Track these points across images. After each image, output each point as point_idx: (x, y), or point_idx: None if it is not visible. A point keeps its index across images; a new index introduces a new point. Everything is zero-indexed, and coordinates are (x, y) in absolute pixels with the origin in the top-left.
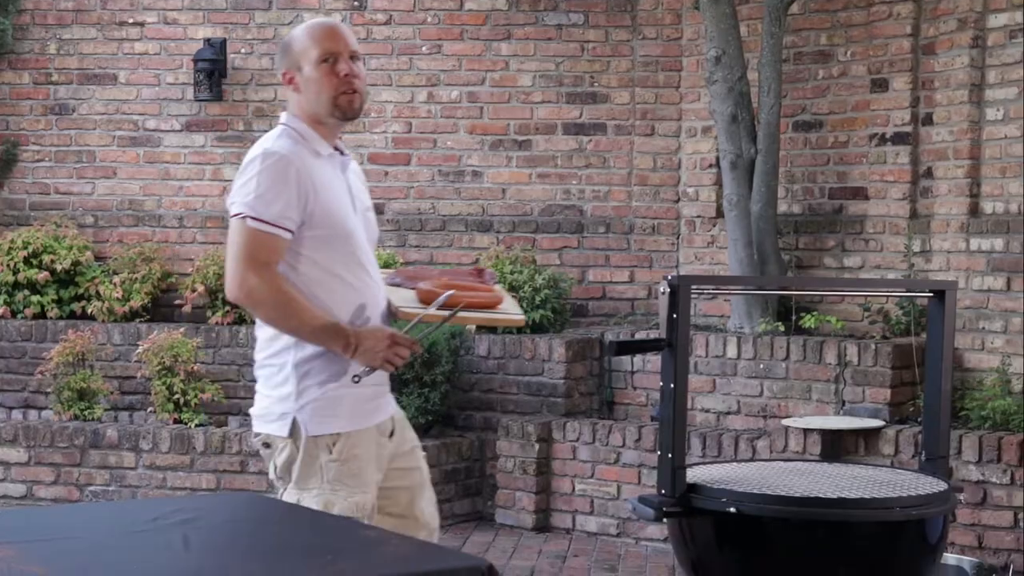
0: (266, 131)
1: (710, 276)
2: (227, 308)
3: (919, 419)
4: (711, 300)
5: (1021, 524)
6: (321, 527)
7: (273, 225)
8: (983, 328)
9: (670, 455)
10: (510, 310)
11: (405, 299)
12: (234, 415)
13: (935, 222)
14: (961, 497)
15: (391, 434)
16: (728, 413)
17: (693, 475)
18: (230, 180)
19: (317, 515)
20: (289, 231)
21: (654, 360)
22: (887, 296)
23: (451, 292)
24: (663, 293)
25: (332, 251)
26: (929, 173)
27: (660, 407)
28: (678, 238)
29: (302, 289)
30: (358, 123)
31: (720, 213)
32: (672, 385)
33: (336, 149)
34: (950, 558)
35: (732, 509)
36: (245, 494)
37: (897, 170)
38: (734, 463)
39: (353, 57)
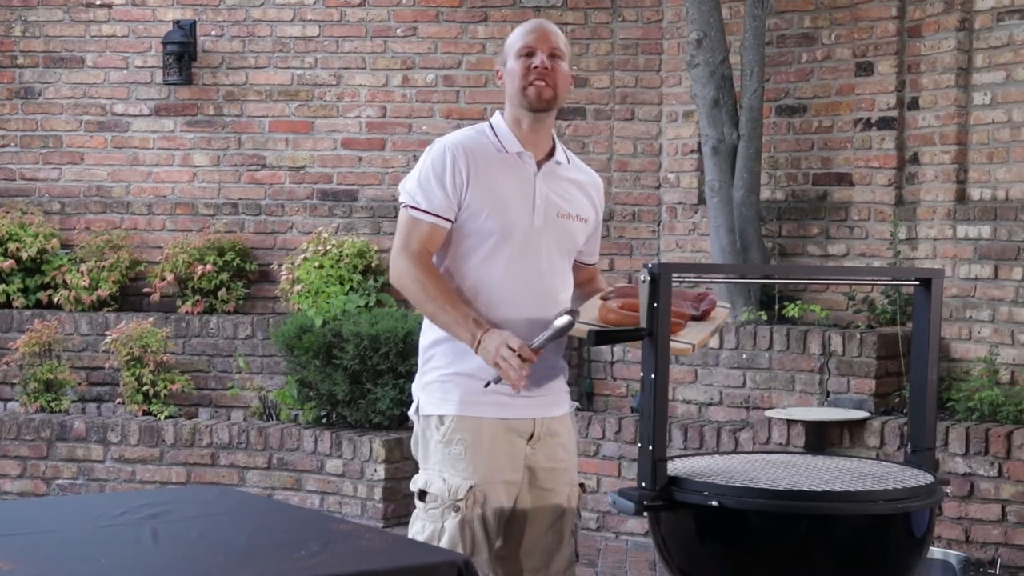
0: (237, 116)
1: (692, 264)
2: (197, 297)
3: (905, 410)
4: (692, 289)
5: (1008, 517)
6: (294, 521)
7: (426, 212)
8: (970, 317)
9: (650, 447)
10: (683, 339)
11: (591, 315)
12: (204, 407)
13: (921, 209)
14: (948, 490)
15: (531, 438)
16: (710, 404)
17: (674, 468)
18: (200, 166)
19: (290, 509)
20: (446, 219)
21: (634, 350)
22: (872, 284)
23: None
24: (643, 281)
25: (480, 242)
26: (915, 159)
27: (640, 398)
28: (659, 225)
29: (449, 272)
30: (330, 107)
31: (702, 199)
32: (653, 375)
33: (550, 152)
34: (936, 552)
35: (714, 502)
36: (216, 487)
37: (882, 156)
38: (716, 455)
39: (553, 55)
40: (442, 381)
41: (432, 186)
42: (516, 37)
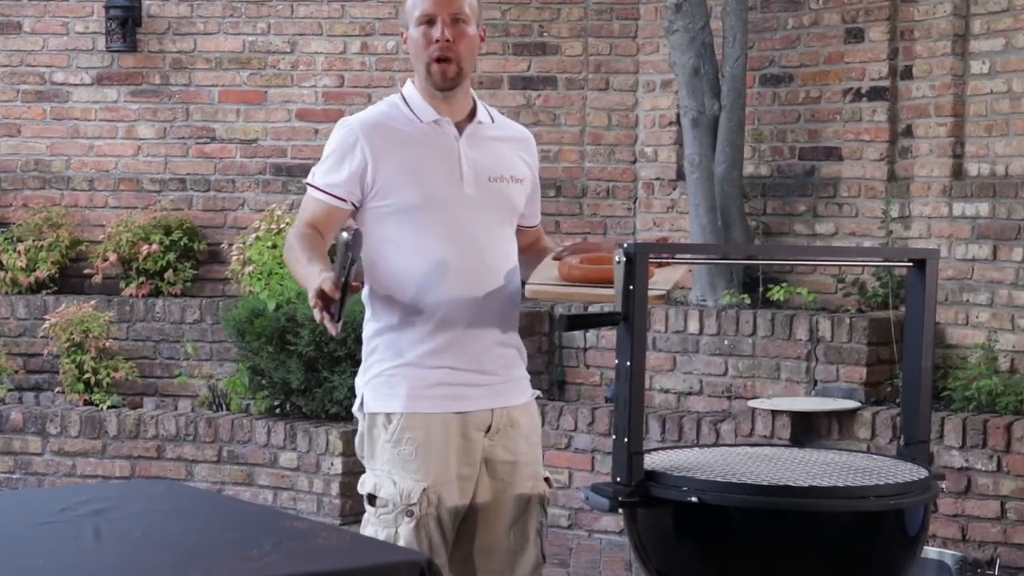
0: (185, 86)
1: (669, 244)
2: (141, 279)
3: (897, 400)
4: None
5: (1008, 515)
6: (245, 518)
7: (321, 191)
8: (967, 301)
9: (626, 440)
10: (655, 287)
11: (548, 274)
12: (150, 396)
13: (915, 185)
14: (943, 485)
15: (489, 430)
16: (689, 394)
17: (651, 461)
18: (145, 139)
19: (241, 505)
20: (342, 200)
21: (608, 336)
22: (863, 266)
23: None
24: (618, 262)
25: (402, 221)
26: (908, 131)
27: (615, 387)
28: (635, 202)
29: (373, 256)
30: (284, 76)
31: (681, 175)
32: (628, 363)
33: (471, 114)
34: (931, 551)
35: (694, 499)
36: (162, 482)
37: (874, 128)
38: (696, 448)
39: (457, 20)
40: (388, 375)
41: (332, 166)
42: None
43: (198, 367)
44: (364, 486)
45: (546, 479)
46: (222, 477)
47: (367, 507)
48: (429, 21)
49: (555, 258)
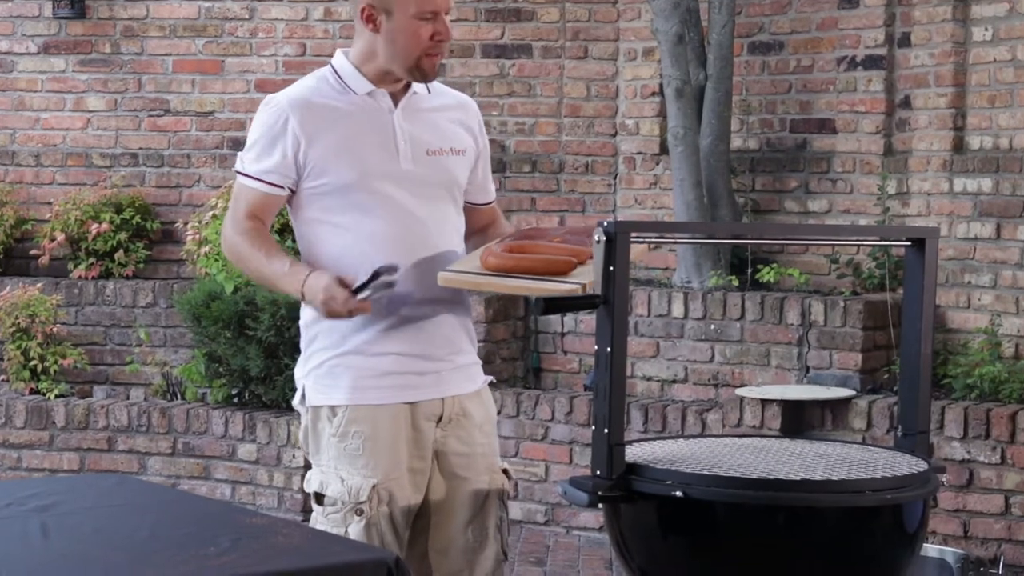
0: (137, 54)
1: (652, 222)
2: (91, 260)
3: (895, 388)
4: (654, 250)
5: (1013, 510)
6: (201, 514)
7: (255, 179)
8: (969, 282)
9: (606, 430)
10: (575, 278)
11: (472, 262)
12: (100, 384)
13: (913, 159)
14: (943, 479)
15: (440, 420)
16: (674, 381)
17: (633, 453)
18: (95, 111)
19: (197, 500)
20: (278, 187)
21: (587, 320)
22: (858, 245)
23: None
24: (597, 242)
25: (339, 200)
26: (906, 103)
27: (594, 374)
28: (615, 178)
29: (310, 238)
30: (242, 44)
31: (664, 149)
32: (608, 349)
33: (407, 84)
34: (931, 549)
35: (678, 493)
36: (113, 476)
37: (869, 99)
38: (681, 439)
39: (446, 12)
40: (330, 365)
41: (263, 150)
42: None
43: (151, 354)
44: (310, 484)
45: (504, 471)
46: (177, 470)
47: (315, 506)
48: (433, 15)
49: (499, 242)
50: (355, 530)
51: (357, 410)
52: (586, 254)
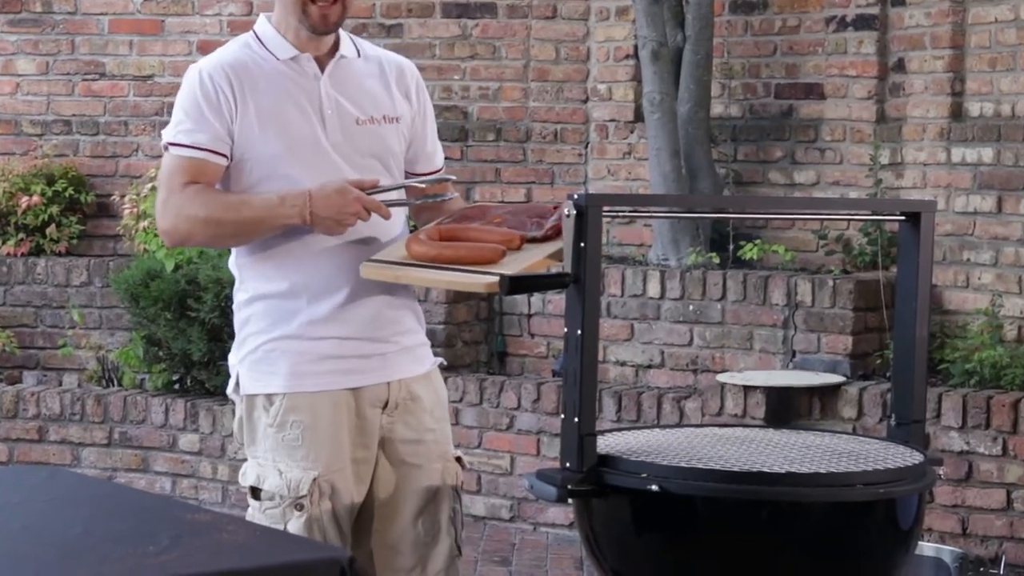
0: (70, 14)
1: (627, 195)
2: (20, 235)
3: (888, 374)
4: (628, 225)
5: (1015, 505)
6: (139, 509)
7: (191, 148)
8: (968, 260)
9: (576, 419)
10: (500, 268)
11: (398, 251)
12: (30, 369)
13: (908, 127)
14: (940, 472)
15: (386, 406)
16: (649, 367)
17: (606, 444)
18: (25, 75)
19: (135, 495)
20: (218, 154)
21: (556, 300)
22: (848, 220)
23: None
24: (567, 216)
25: (267, 174)
26: (900, 66)
27: (563, 359)
28: (586, 147)
29: None
30: (184, 2)
31: (639, 116)
32: (579, 331)
33: (334, 47)
34: (927, 547)
35: (654, 487)
36: (45, 468)
37: (861, 62)
38: (657, 429)
39: None
40: (265, 350)
41: (194, 118)
42: None
43: (85, 336)
44: (246, 477)
45: (458, 459)
46: (113, 462)
47: (250, 501)
48: None
49: (435, 224)
50: (295, 526)
51: (295, 398)
52: (518, 240)
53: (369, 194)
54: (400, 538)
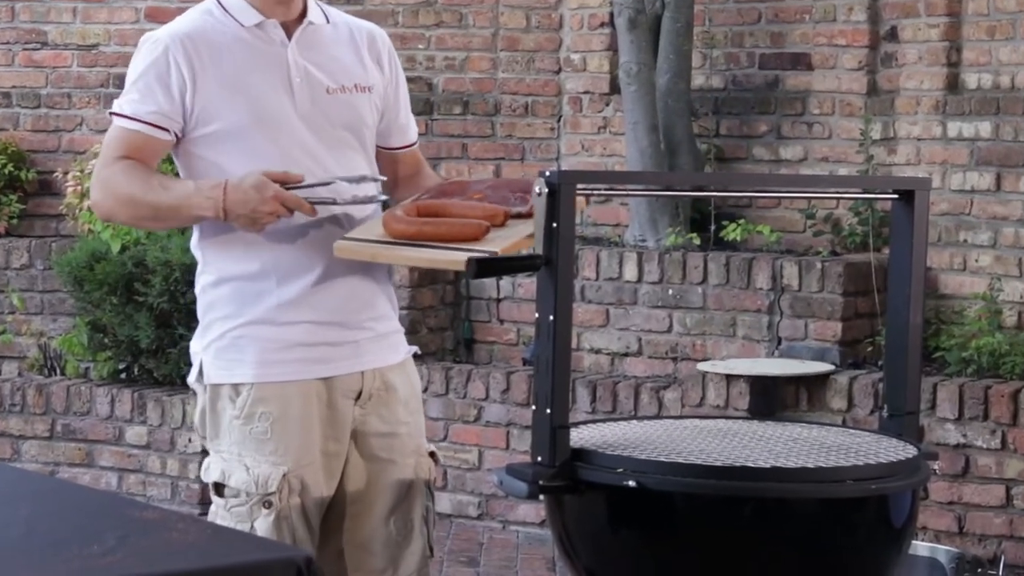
0: None
1: (601, 172)
2: None
3: (880, 362)
4: (603, 204)
5: (1015, 502)
6: (84, 506)
7: (134, 120)
8: (965, 241)
9: (548, 411)
10: (487, 247)
11: (375, 228)
12: None
13: (901, 100)
14: (935, 466)
15: (359, 396)
16: (626, 355)
17: (580, 437)
18: None
19: (79, 491)
20: (162, 128)
21: (527, 284)
22: (837, 198)
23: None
24: (539, 194)
25: (231, 148)
26: (893, 34)
27: (535, 346)
28: (559, 121)
29: None
30: None
31: (615, 88)
32: (551, 317)
33: (302, 14)
34: (921, 547)
35: (631, 482)
36: None
37: (851, 31)
38: (634, 421)
39: None
40: (232, 336)
41: (141, 90)
42: None
43: (26, 322)
44: (209, 473)
45: (431, 454)
46: (56, 456)
47: (214, 498)
48: None
49: (412, 201)
50: (263, 525)
51: (264, 388)
52: (502, 215)
53: (291, 189)
54: (371, 537)
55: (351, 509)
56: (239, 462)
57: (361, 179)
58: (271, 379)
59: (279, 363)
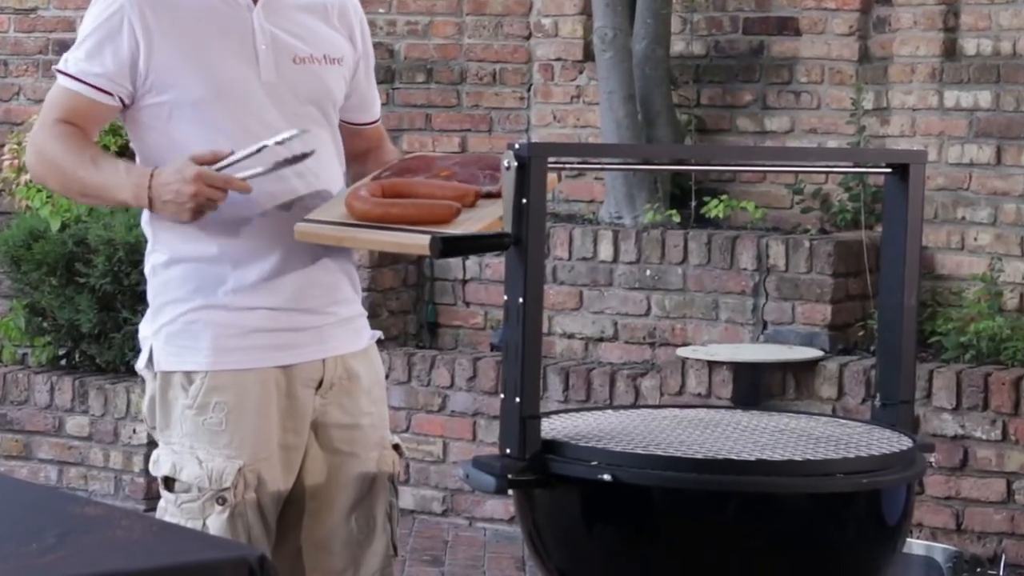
0: None
1: (575, 144)
2: None
3: (872, 348)
4: (576, 178)
5: (1016, 497)
6: (22, 502)
7: (78, 80)
8: (963, 218)
9: (518, 400)
10: (457, 228)
11: (336, 209)
12: None
13: (895, 67)
14: (932, 459)
15: (320, 385)
16: (600, 339)
17: (551, 428)
18: None
19: (16, 486)
20: (107, 93)
21: (495, 264)
22: (827, 173)
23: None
24: (507, 168)
25: (188, 119)
26: None
27: (503, 331)
28: (529, 90)
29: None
30: None
31: (589, 55)
32: (520, 299)
33: None
34: (916, 545)
35: (606, 476)
36: None
37: None
38: (609, 411)
39: None
40: (186, 321)
41: (89, 48)
42: None
43: None
44: (158, 466)
45: (395, 446)
46: None
47: (163, 493)
48: None
49: (374, 177)
50: (216, 522)
51: (219, 376)
52: (473, 195)
53: (220, 169)
54: (331, 536)
55: (310, 505)
56: (191, 455)
57: (288, 139)
58: (227, 367)
59: (236, 350)
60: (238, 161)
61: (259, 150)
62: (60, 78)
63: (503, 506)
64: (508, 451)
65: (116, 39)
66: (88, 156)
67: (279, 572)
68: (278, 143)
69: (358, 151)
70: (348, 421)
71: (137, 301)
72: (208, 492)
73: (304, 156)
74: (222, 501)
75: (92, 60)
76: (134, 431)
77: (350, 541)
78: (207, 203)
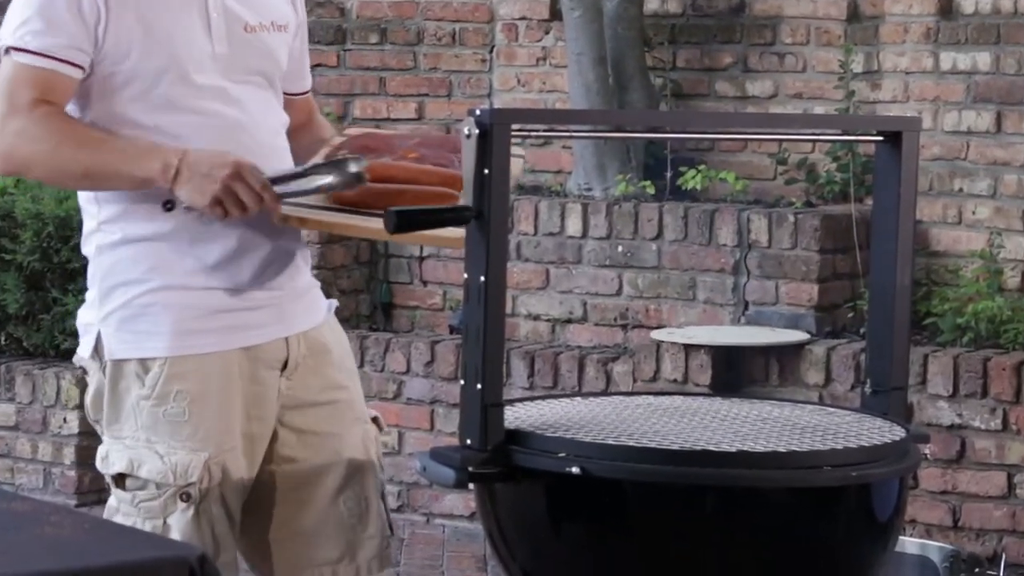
0: None
1: (541, 110)
2: None
3: (862, 330)
4: (542, 147)
5: (1017, 491)
6: None
7: (40, 55)
8: (960, 190)
9: (479, 386)
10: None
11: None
12: None
13: (886, 27)
14: (926, 450)
15: (285, 366)
16: (569, 321)
17: (516, 417)
18: None
19: None
20: (74, 65)
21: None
22: (813, 141)
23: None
24: (467, 136)
25: (140, 93)
26: None
27: (463, 312)
28: (491, 52)
29: None
30: None
31: (556, 14)
32: (482, 278)
33: None
34: (910, 543)
35: (575, 469)
36: None
37: None
38: (578, 398)
39: None
40: (141, 304)
41: (47, 16)
42: None
43: None
44: (110, 463)
45: (374, 419)
46: None
47: (115, 492)
48: None
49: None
50: (179, 520)
51: (180, 362)
52: (458, 180)
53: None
54: (320, 525)
55: (289, 497)
56: (149, 449)
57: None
58: (189, 351)
59: (199, 332)
60: (290, 178)
61: (302, 173)
62: (16, 56)
63: (463, 501)
64: (468, 442)
65: (77, 6)
66: (95, 135)
67: (219, 572)
68: (326, 168)
69: (291, 125)
70: (323, 399)
71: (68, 280)
72: (170, 488)
73: (358, 180)
74: (186, 497)
75: (55, 31)
76: (64, 420)
77: (342, 526)
78: (233, 198)
